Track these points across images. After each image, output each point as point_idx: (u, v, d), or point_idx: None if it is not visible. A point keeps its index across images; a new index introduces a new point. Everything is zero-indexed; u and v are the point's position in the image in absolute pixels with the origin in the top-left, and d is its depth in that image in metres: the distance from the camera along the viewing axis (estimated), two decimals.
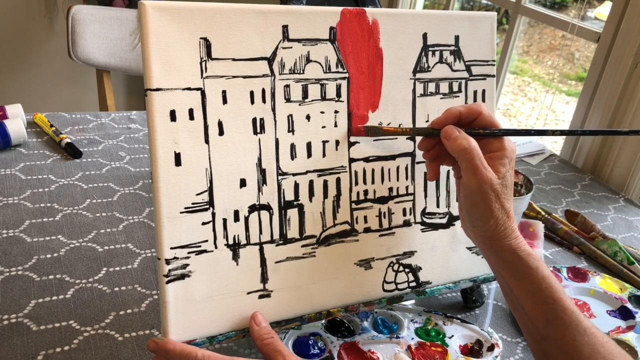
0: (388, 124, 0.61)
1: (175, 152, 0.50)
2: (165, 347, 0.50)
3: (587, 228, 0.95)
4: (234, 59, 0.52)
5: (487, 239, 0.54)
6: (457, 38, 0.64)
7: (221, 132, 0.52)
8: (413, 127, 0.61)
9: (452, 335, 0.66)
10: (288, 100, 0.55)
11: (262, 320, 0.54)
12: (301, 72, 0.56)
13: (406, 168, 0.63)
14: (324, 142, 0.58)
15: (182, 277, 0.52)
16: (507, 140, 0.55)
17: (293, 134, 0.56)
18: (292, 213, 0.57)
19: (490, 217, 0.53)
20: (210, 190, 0.52)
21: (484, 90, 0.67)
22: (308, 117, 0.57)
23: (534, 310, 0.52)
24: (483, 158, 0.53)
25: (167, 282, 0.51)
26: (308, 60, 0.56)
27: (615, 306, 0.77)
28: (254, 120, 0.54)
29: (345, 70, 0.58)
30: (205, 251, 0.53)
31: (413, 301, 0.71)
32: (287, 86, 0.55)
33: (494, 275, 0.59)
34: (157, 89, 0.49)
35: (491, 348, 0.65)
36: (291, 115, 0.56)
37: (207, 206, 0.52)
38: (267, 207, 0.55)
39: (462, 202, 0.56)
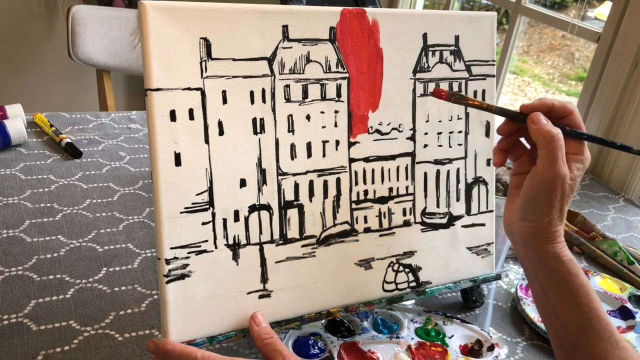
0: (388, 124, 0.61)
1: (175, 152, 0.50)
2: (164, 348, 0.50)
3: (587, 228, 0.95)
4: (234, 59, 0.52)
5: (533, 236, 0.53)
6: (457, 38, 0.64)
7: (221, 132, 0.52)
8: (500, 107, 0.57)
9: (452, 335, 0.66)
10: (288, 100, 0.55)
11: (262, 320, 0.54)
12: (301, 72, 0.56)
13: (406, 168, 0.63)
14: (324, 142, 0.58)
15: (182, 277, 0.52)
16: (586, 148, 0.54)
17: (293, 134, 0.56)
18: (292, 213, 0.57)
19: (548, 214, 0.52)
20: (210, 190, 0.52)
21: (484, 90, 0.67)
22: (308, 117, 0.57)
23: (568, 317, 0.52)
24: (564, 152, 0.52)
25: (167, 282, 0.51)
26: (308, 60, 0.56)
27: (615, 306, 0.77)
28: (254, 120, 0.54)
29: (346, 70, 0.58)
30: (205, 251, 0.53)
31: (413, 301, 0.71)
32: (287, 86, 0.55)
33: (525, 276, 0.58)
34: (157, 89, 0.49)
35: (491, 348, 0.65)
36: (291, 115, 0.56)
37: (207, 206, 0.52)
38: (267, 207, 0.55)
39: (523, 192, 0.54)
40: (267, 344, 0.51)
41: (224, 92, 0.52)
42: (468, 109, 0.66)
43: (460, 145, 0.66)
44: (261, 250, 0.56)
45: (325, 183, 0.58)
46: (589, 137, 0.55)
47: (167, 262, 0.51)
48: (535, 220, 0.53)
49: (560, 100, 0.55)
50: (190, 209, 0.52)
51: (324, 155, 0.58)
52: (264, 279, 0.56)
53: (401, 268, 0.63)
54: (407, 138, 0.62)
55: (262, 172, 0.55)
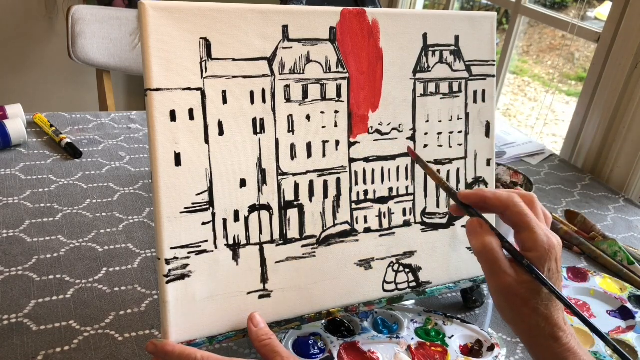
0: (388, 124, 0.61)
1: (175, 152, 0.50)
2: (164, 349, 0.50)
3: (587, 228, 0.95)
4: (234, 59, 0.52)
5: (523, 339, 0.49)
6: (457, 38, 0.64)
7: (221, 132, 0.52)
8: (449, 187, 0.53)
9: (452, 335, 0.66)
10: (288, 100, 0.55)
11: (260, 321, 0.54)
12: (301, 72, 0.56)
13: (406, 168, 0.63)
14: (324, 142, 0.58)
15: (182, 277, 0.52)
16: (542, 236, 0.47)
17: (293, 134, 0.56)
18: (292, 213, 0.57)
19: (521, 322, 0.47)
20: (210, 190, 0.52)
21: (484, 91, 0.67)
22: (308, 117, 0.57)
23: None
24: (503, 259, 0.47)
25: (167, 282, 0.51)
26: (308, 60, 0.56)
27: (615, 306, 0.77)
28: (254, 120, 0.54)
29: (346, 70, 0.58)
30: (205, 251, 0.53)
31: (413, 301, 0.71)
32: (287, 86, 0.55)
33: None
34: (157, 89, 0.49)
35: (491, 348, 0.65)
36: (291, 116, 0.56)
37: (207, 206, 0.52)
38: (267, 207, 0.55)
39: (493, 300, 0.50)
40: (265, 345, 0.51)
41: (224, 92, 0.52)
42: (468, 108, 0.66)
43: (460, 145, 0.66)
44: (261, 250, 0.56)
45: (325, 183, 0.58)
46: (513, 253, 0.47)
47: (167, 262, 0.51)
48: (515, 328, 0.49)
49: (497, 193, 0.48)
50: (190, 209, 0.52)
51: (324, 156, 0.58)
52: (264, 279, 0.56)
53: (401, 268, 0.63)
54: (407, 138, 0.62)
55: (262, 172, 0.55)
